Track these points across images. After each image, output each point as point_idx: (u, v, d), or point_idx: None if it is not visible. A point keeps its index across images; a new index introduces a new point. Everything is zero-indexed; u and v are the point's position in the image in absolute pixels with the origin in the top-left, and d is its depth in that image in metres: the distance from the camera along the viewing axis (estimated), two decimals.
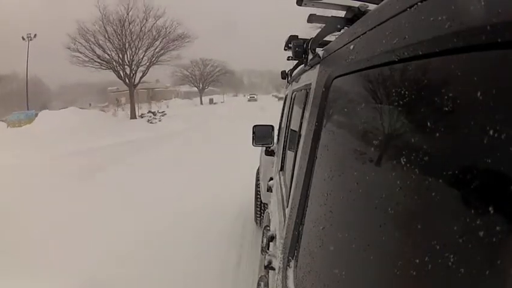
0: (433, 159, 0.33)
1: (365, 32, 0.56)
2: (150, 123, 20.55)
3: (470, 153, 0.28)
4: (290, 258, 0.90)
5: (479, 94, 0.26)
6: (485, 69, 0.27)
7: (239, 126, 10.90)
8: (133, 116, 24.33)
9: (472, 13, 0.28)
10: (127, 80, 24.69)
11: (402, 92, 0.39)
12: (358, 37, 0.60)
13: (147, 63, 25.65)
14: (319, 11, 1.00)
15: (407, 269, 0.34)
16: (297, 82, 1.77)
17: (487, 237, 0.24)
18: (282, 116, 3.06)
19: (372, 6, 0.73)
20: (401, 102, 0.40)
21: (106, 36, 23.63)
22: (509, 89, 0.24)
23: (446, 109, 0.30)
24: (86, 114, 22.62)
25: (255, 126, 3.40)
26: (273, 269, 1.21)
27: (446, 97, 0.30)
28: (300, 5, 0.93)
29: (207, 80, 47.04)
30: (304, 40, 1.12)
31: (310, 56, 1.05)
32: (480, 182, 0.26)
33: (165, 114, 24.14)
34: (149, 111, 24.83)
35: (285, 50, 1.61)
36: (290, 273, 0.88)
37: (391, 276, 0.39)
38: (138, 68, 25.37)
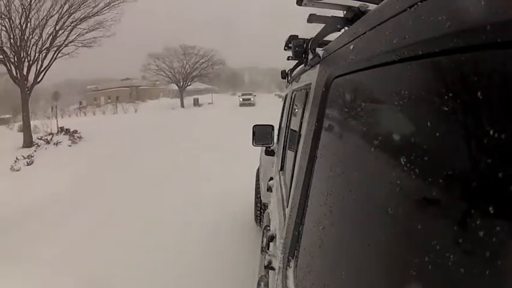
0: (433, 159, 0.33)
1: (365, 32, 0.56)
2: (13, 170, 9.82)
3: (470, 153, 0.28)
4: (290, 258, 0.90)
5: (479, 94, 0.26)
6: (485, 69, 0.27)
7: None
8: (28, 141, 12.97)
9: (472, 13, 0.28)
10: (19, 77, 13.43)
11: (402, 92, 0.39)
12: (358, 37, 0.60)
13: (46, 50, 13.67)
14: (319, 11, 1.00)
15: (407, 268, 0.34)
16: (297, 82, 1.77)
17: (487, 237, 0.24)
18: (282, 116, 3.06)
19: (372, 6, 0.73)
20: (401, 102, 0.40)
21: None
22: (509, 89, 0.24)
23: (446, 109, 0.30)
24: None
25: (255, 126, 3.40)
26: (273, 269, 1.21)
27: (446, 97, 0.30)
28: (300, 5, 0.93)
29: (190, 74, 33.44)
30: (304, 40, 1.12)
31: (310, 56, 1.05)
32: (480, 182, 0.26)
33: (78, 136, 13.35)
34: (59, 130, 13.88)
35: (285, 49, 1.61)
36: (290, 273, 0.89)
37: (391, 276, 0.39)
38: (38, 56, 13.68)
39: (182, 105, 31.44)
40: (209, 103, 32.67)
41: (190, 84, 33.94)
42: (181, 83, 33.21)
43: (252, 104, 29.74)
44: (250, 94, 32.36)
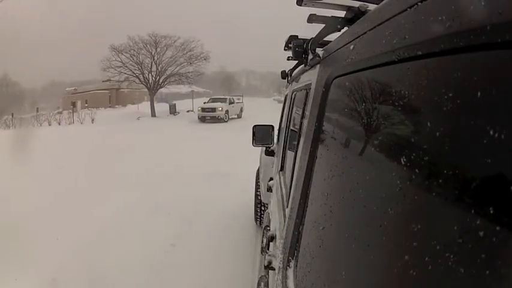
0: (433, 159, 0.33)
1: (365, 32, 0.56)
2: None
3: (470, 153, 0.28)
4: (290, 258, 0.90)
5: (479, 94, 0.26)
6: (485, 69, 0.27)
7: None
8: None
9: (472, 13, 0.28)
10: None
11: (402, 92, 0.39)
12: (358, 37, 0.60)
13: None
14: (319, 11, 1.00)
15: (407, 269, 0.34)
16: (297, 82, 1.77)
17: (487, 237, 0.24)
18: (282, 116, 3.06)
19: (372, 6, 0.73)
20: (401, 102, 0.40)
21: None
22: (509, 89, 0.24)
23: (446, 109, 0.30)
24: None
25: (255, 126, 3.40)
26: (273, 269, 1.21)
27: (446, 97, 0.30)
28: (300, 5, 0.93)
29: (163, 73, 24.73)
30: (304, 40, 1.12)
31: (310, 56, 1.05)
32: (480, 182, 0.26)
33: None
34: None
35: (285, 50, 1.62)
36: (290, 273, 0.89)
37: (391, 276, 0.39)
38: None
39: (153, 114, 23.16)
40: (188, 111, 24.97)
41: (162, 86, 25.29)
42: (152, 84, 24.66)
43: (222, 119, 16.90)
44: (223, 100, 19.31)
